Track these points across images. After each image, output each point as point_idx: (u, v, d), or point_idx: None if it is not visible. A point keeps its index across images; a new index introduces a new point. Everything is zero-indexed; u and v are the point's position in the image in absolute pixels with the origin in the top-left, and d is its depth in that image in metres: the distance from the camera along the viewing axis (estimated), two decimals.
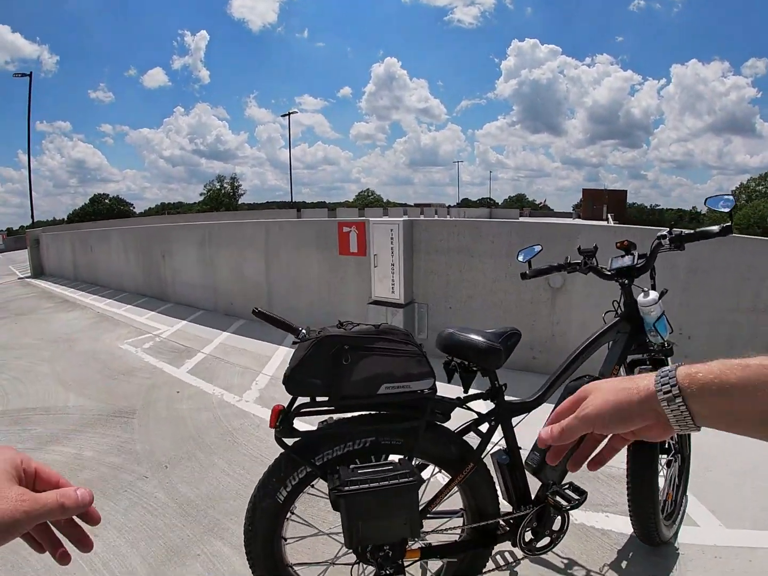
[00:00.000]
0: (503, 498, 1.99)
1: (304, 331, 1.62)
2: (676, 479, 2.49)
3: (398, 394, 1.59)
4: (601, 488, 2.89)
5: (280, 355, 5.54)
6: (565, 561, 2.34)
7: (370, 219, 5.83)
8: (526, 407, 1.95)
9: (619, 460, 2.93)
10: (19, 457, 0.62)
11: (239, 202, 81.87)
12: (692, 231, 2.13)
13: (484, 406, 1.90)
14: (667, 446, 2.32)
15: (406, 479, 1.48)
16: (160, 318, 7.73)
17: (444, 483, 1.83)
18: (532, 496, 2.03)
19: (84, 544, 0.65)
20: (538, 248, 2.41)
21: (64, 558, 0.62)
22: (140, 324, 7.32)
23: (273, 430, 1.56)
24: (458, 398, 1.81)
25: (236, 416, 3.95)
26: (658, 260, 2.18)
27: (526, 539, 2.01)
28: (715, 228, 2.05)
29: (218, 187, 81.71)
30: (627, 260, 2.20)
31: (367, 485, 1.45)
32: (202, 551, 2.44)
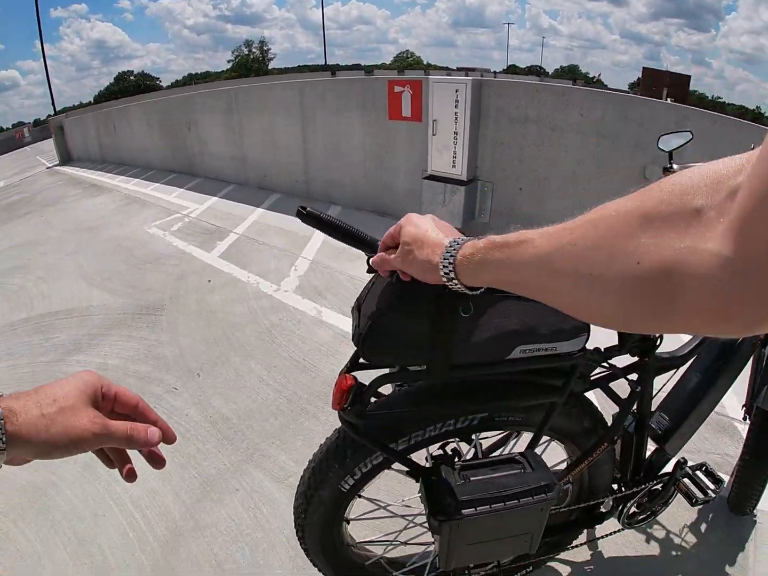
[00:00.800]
0: (616, 470, 1.60)
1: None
2: None
3: (538, 358, 1.04)
4: None
5: (321, 235, 4.98)
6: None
7: (430, 77, 4.90)
8: (676, 363, 1.47)
9: (720, 410, 2.56)
10: (99, 381, 0.65)
11: (269, 67, 78.89)
12: None
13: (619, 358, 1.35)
14: None
15: (544, 495, 1.01)
16: (189, 195, 7.23)
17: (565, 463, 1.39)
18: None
19: (156, 461, 0.68)
20: (686, 136, 1.82)
21: (131, 476, 0.67)
22: (168, 203, 6.85)
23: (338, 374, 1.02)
24: (597, 350, 1.23)
25: (274, 310, 3.52)
26: None
27: (630, 513, 1.65)
28: None
29: (246, 52, 78.16)
30: None
31: (488, 508, 0.97)
32: (240, 485, 2.09)
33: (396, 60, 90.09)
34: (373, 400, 1.10)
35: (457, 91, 4.48)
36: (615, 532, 1.69)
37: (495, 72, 63.78)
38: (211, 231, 5.47)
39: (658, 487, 1.63)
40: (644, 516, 1.69)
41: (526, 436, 1.24)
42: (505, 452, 1.34)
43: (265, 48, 79.98)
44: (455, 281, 0.71)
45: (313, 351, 2.94)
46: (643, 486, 1.57)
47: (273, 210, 6.14)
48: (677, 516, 2.07)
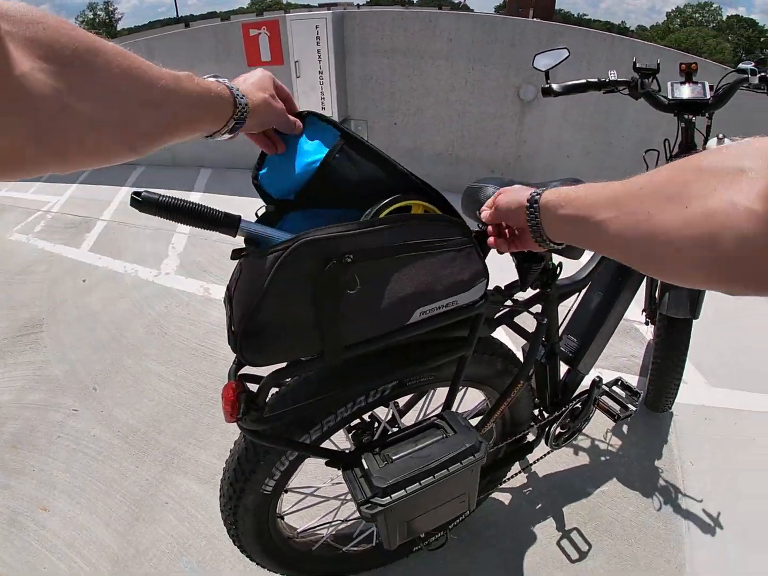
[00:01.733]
0: (536, 398, 1.63)
1: (247, 224, 0.83)
2: None
3: (441, 316, 0.98)
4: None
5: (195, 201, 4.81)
6: None
7: (286, 15, 4.65)
8: (576, 287, 1.50)
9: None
10: (271, 76, 0.89)
11: (119, 29, 73.77)
12: None
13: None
14: None
15: (472, 457, 0.99)
16: (47, 188, 6.64)
17: (484, 406, 1.48)
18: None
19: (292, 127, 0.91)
20: (563, 53, 1.83)
21: (279, 145, 0.93)
22: (27, 202, 6.27)
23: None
24: (497, 289, 1.23)
25: (158, 297, 3.40)
26: None
27: (555, 435, 1.73)
28: None
29: (92, 16, 72.75)
30: (695, 90, 1.75)
31: (417, 484, 0.95)
32: (168, 497, 2.07)
33: (253, 2, 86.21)
34: (275, 390, 1.06)
35: (317, 27, 4.34)
36: (545, 455, 1.77)
37: (359, 5, 62.19)
38: (76, 223, 5.13)
39: (579, 406, 1.72)
40: (569, 434, 1.78)
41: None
42: (424, 414, 1.36)
43: (110, 9, 75.11)
44: (536, 215, 0.78)
45: (209, 334, 2.88)
46: (563, 409, 1.65)
47: (139, 186, 5.75)
48: (598, 424, 2.22)
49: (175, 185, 5.48)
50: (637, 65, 1.84)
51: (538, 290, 1.37)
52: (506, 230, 0.92)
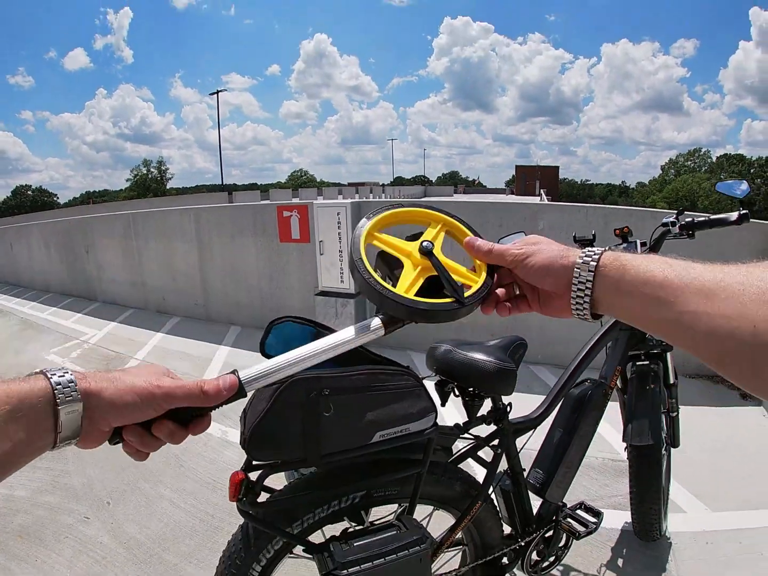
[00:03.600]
0: (506, 524, 1.84)
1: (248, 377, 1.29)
2: (666, 470, 2.46)
3: (396, 438, 1.30)
4: (585, 482, 2.88)
5: (222, 357, 5.30)
6: (561, 567, 2.29)
7: (314, 202, 5.50)
8: (531, 425, 1.78)
9: (597, 450, 2.95)
10: (166, 369, 0.75)
11: (167, 187, 79.62)
12: (706, 218, 2.02)
13: (481, 429, 1.70)
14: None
15: (418, 548, 1.26)
16: (88, 320, 7.28)
17: (448, 525, 1.63)
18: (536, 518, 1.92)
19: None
20: (521, 236, 2.22)
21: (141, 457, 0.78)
22: (66, 329, 6.85)
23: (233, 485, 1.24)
24: (457, 425, 1.59)
25: None
26: None
27: (532, 562, 1.89)
28: (733, 215, 1.95)
29: (145, 172, 78.90)
30: (631, 249, 2.02)
31: (370, 564, 1.20)
32: None
33: (291, 178, 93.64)
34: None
35: (338, 213, 5.13)
36: None
37: (383, 185, 67.17)
38: (111, 357, 5.57)
39: (549, 533, 1.89)
40: (549, 563, 1.93)
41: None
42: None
43: (163, 168, 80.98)
44: (587, 292, 0.70)
45: (222, 471, 3.14)
46: (534, 535, 1.83)
47: (173, 334, 6.32)
48: (591, 558, 2.32)
49: (206, 338, 5.96)
50: (576, 237, 2.12)
51: (495, 427, 1.69)
52: (509, 288, 0.89)
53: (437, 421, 1.38)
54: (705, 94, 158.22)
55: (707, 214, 2.07)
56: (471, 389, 1.58)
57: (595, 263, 0.69)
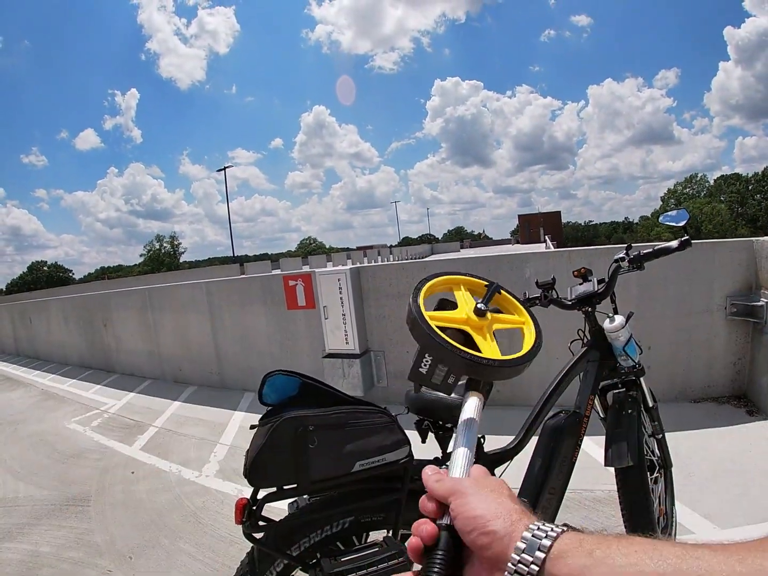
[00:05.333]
0: None
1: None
2: (664, 493, 2.50)
3: (374, 468, 1.52)
4: (590, 515, 2.98)
5: (237, 421, 5.45)
6: None
7: (316, 270, 5.83)
8: (507, 455, 1.92)
9: (601, 482, 3.12)
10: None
11: (181, 261, 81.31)
12: (651, 249, 2.15)
13: None
14: (650, 465, 2.33)
15: (396, 561, 1.42)
16: (107, 391, 7.49)
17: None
18: None
19: None
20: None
21: None
22: (86, 399, 7.07)
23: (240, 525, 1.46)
24: (436, 459, 1.77)
25: (197, 494, 3.85)
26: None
27: None
28: (674, 243, 2.10)
29: (158, 246, 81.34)
30: (587, 287, 2.18)
31: (354, 574, 1.38)
32: None
33: (300, 246, 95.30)
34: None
35: (339, 279, 5.41)
36: None
37: (391, 246, 68.29)
38: (130, 425, 5.74)
39: None
40: None
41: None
42: None
43: (175, 242, 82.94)
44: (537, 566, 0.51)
45: (239, 527, 3.26)
46: None
47: (189, 402, 6.51)
48: None
49: (222, 404, 6.13)
50: (539, 282, 2.21)
51: None
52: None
53: (412, 453, 1.61)
54: (693, 120, 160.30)
55: (652, 245, 2.20)
56: (441, 423, 1.79)
57: (543, 553, 0.51)
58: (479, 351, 1.00)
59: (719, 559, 0.44)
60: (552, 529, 0.54)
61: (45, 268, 76.69)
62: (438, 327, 1.03)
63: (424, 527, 0.63)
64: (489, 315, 1.08)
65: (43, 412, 6.58)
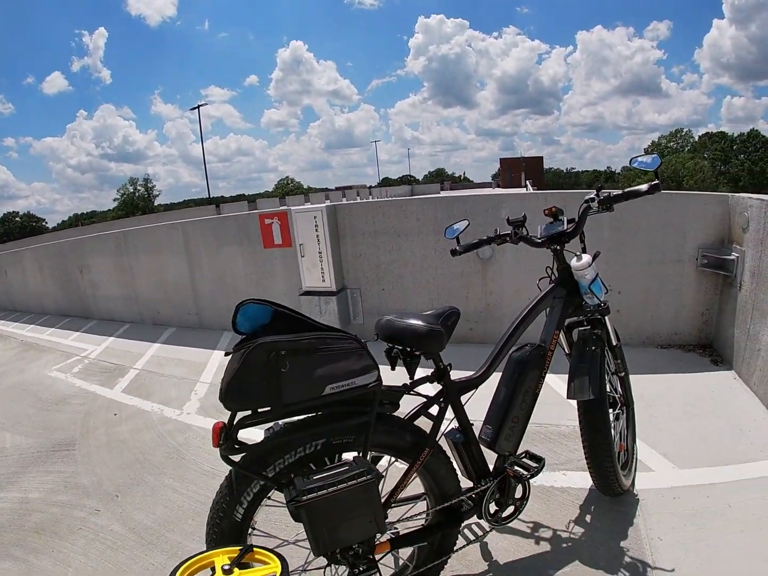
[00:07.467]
0: (463, 475, 2.05)
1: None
2: (625, 429, 2.60)
3: (344, 391, 1.58)
4: (555, 448, 3.10)
5: (216, 361, 5.54)
6: (531, 525, 2.47)
7: (292, 208, 5.83)
8: (473, 383, 1.99)
9: (567, 418, 3.23)
10: None
11: (156, 204, 79.62)
12: (620, 191, 2.20)
13: (431, 389, 1.94)
14: (612, 401, 2.43)
15: (364, 477, 1.50)
16: (86, 337, 7.51)
17: (403, 472, 1.85)
18: (491, 469, 2.11)
19: None
20: (464, 223, 2.44)
21: None
22: (66, 347, 7.09)
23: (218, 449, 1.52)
24: (404, 385, 1.83)
25: (179, 431, 3.96)
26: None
27: (491, 511, 2.09)
28: (644, 187, 2.13)
29: (132, 190, 79.09)
30: (557, 226, 2.24)
31: (325, 491, 1.45)
32: None
33: (278, 187, 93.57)
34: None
35: (315, 217, 5.43)
36: (487, 533, 2.16)
37: (370, 186, 67.51)
38: (111, 369, 5.81)
39: (497, 481, 2.08)
40: (509, 514, 2.14)
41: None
42: None
43: (149, 185, 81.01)
44: None
45: (220, 460, 3.34)
46: (488, 484, 2.04)
47: (169, 343, 6.58)
48: (560, 515, 2.50)
49: (201, 344, 6.23)
50: (510, 219, 2.31)
51: (440, 386, 1.94)
52: None
53: (381, 378, 1.66)
54: (683, 74, 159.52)
55: (622, 189, 2.24)
56: (408, 349, 1.83)
57: None
58: None
59: None
60: None
61: (17, 219, 75.16)
62: None
63: None
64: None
65: (23, 363, 6.60)
